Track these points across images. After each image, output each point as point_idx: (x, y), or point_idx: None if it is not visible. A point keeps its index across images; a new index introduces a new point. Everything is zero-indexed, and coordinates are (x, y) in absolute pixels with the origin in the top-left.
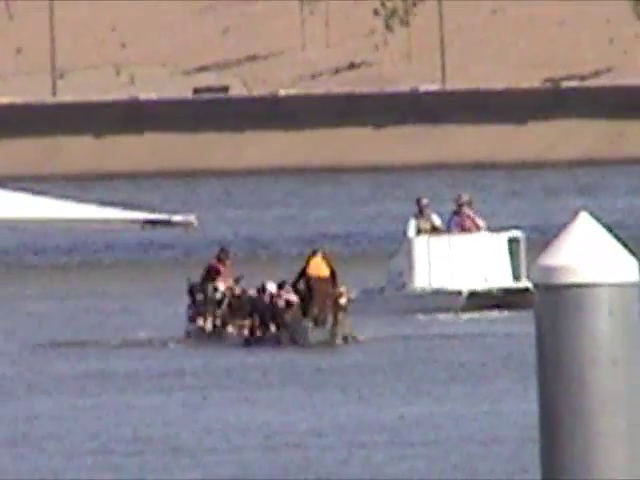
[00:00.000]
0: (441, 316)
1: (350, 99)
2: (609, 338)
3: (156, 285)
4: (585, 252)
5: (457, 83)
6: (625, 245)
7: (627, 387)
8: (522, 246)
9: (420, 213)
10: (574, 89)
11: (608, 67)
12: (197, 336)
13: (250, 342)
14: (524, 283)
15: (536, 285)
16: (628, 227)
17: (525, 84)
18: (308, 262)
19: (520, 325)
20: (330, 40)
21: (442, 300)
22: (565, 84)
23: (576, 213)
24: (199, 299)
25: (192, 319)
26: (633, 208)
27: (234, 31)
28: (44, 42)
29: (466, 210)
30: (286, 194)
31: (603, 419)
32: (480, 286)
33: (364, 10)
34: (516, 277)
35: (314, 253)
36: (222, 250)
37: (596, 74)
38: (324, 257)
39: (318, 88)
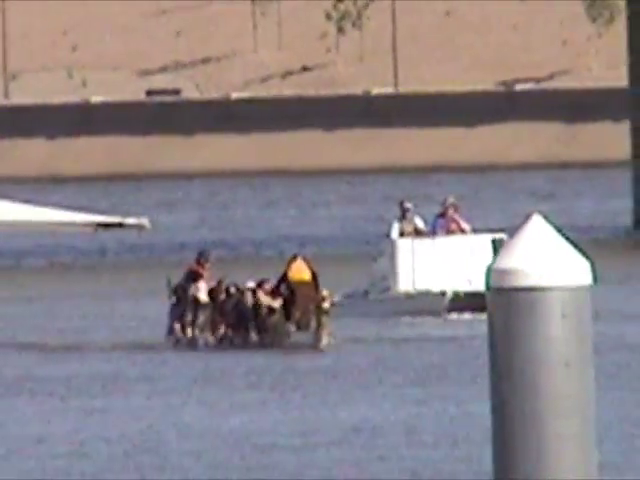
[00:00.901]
0: (425, 318)
1: (302, 102)
2: (562, 340)
3: (118, 287)
4: (537, 255)
5: (409, 86)
6: (577, 247)
7: (580, 389)
8: None
9: (403, 216)
10: (527, 92)
11: (562, 69)
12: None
13: (225, 341)
14: None
15: (489, 288)
16: (581, 230)
17: (478, 86)
18: (289, 266)
19: None
20: (282, 43)
21: (426, 302)
22: (518, 87)
23: (528, 216)
24: (181, 302)
25: (171, 330)
26: (587, 211)
27: (186, 34)
28: None
29: (451, 213)
30: (241, 197)
31: (556, 421)
32: (464, 288)
33: (316, 12)
34: None
35: (294, 257)
36: (202, 253)
37: (550, 76)
38: (305, 261)
39: (270, 91)
